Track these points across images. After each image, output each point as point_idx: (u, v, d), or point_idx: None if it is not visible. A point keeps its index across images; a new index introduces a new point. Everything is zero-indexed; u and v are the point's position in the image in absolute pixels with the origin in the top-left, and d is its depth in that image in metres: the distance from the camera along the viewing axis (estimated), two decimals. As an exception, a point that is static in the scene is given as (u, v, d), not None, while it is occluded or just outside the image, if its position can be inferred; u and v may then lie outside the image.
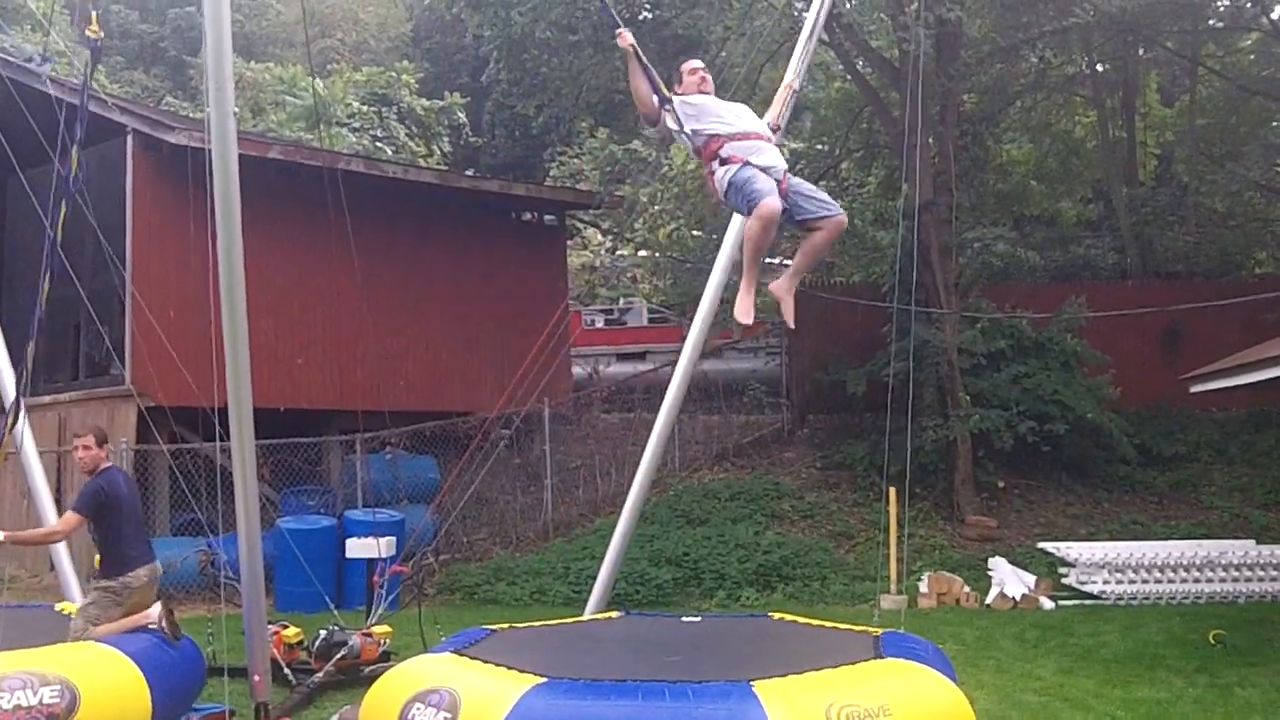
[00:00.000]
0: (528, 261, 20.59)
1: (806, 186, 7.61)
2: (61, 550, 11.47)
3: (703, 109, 7.54)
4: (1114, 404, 18.43)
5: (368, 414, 15.71)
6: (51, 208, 8.46)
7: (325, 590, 12.47)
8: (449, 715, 6.22)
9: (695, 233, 21.56)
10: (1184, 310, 18.79)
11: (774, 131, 8.03)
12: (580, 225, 27.45)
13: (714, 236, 11.57)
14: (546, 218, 22.29)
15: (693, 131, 7.48)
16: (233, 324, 8.37)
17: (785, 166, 7.49)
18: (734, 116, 7.58)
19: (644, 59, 7.56)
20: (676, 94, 7.66)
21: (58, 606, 10.11)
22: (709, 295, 10.75)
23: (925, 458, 17.43)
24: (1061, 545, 15.89)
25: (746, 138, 7.44)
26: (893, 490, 14.39)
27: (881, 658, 7.06)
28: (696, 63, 7.90)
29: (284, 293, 17.05)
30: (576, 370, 23.02)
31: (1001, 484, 18.13)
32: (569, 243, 25.51)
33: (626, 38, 7.55)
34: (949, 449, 17.63)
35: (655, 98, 7.54)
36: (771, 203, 7.09)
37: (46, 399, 17.17)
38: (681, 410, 13.19)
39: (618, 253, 30.79)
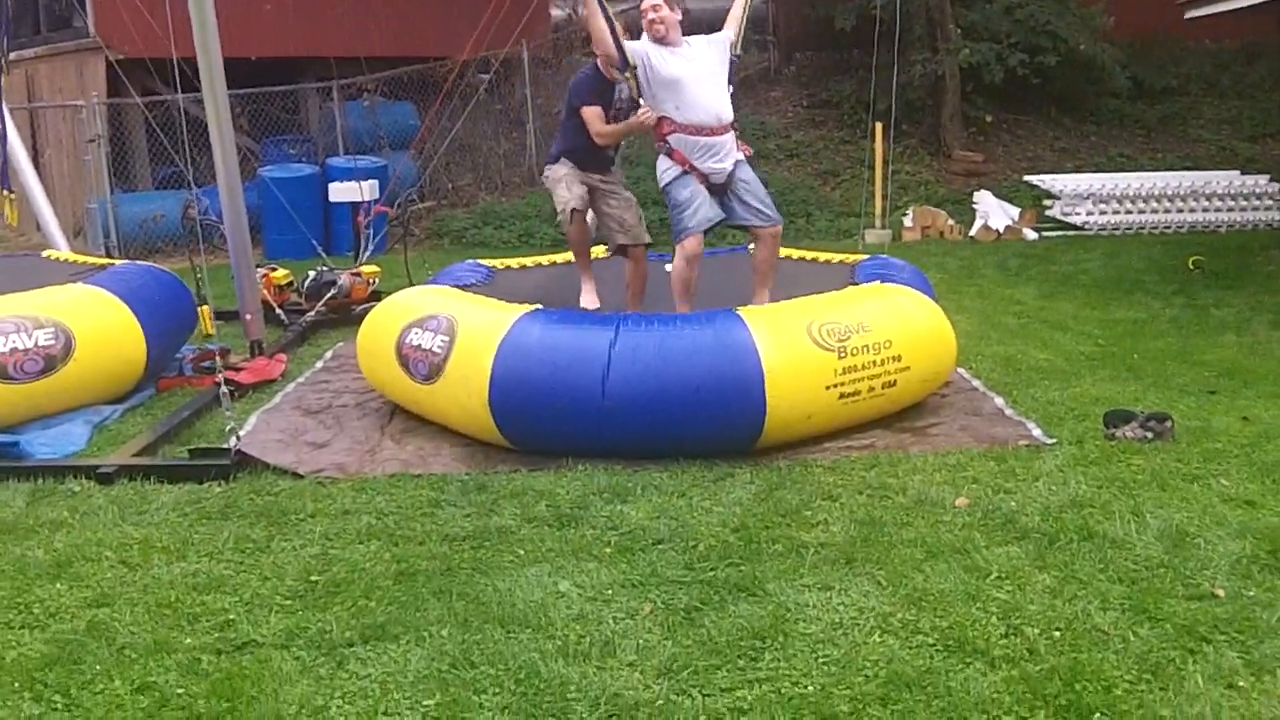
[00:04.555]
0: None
1: (750, 189, 6.97)
2: (44, 206, 11.43)
3: (669, 83, 6.77)
4: (1107, 35, 17.97)
5: (343, 61, 15.31)
6: None
7: (313, 236, 12.47)
8: (446, 339, 6.35)
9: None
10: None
11: (735, 58, 7.17)
12: None
13: None
14: None
15: (651, 97, 6.86)
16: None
17: (731, 166, 6.90)
18: (697, 93, 6.80)
19: (607, 8, 6.77)
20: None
21: (45, 253, 10.14)
22: None
23: (913, 93, 17.17)
24: (1047, 178, 15.90)
25: (699, 133, 6.78)
26: (879, 126, 14.24)
27: (859, 282, 7.17)
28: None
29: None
30: (555, 11, 22.29)
31: (989, 118, 17.95)
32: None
33: None
34: (937, 84, 17.34)
35: (617, 56, 6.83)
36: (694, 244, 6.79)
37: (11, 56, 16.62)
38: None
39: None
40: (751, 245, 7.49)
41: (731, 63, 7.12)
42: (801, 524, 5.01)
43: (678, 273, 6.96)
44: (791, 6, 20.29)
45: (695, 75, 6.84)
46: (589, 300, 7.71)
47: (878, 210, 14.69)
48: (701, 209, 6.83)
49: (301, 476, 5.93)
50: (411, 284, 9.41)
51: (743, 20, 7.37)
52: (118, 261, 9.65)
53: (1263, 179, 15.09)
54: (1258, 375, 7.54)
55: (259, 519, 5.35)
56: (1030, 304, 10.35)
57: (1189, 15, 13.04)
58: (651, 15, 6.84)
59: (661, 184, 6.99)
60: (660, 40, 6.86)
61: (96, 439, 6.96)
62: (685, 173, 6.85)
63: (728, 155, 6.92)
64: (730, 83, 7.06)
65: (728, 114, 6.95)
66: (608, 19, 6.80)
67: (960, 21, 17.30)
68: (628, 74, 6.93)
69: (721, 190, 6.92)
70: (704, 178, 6.86)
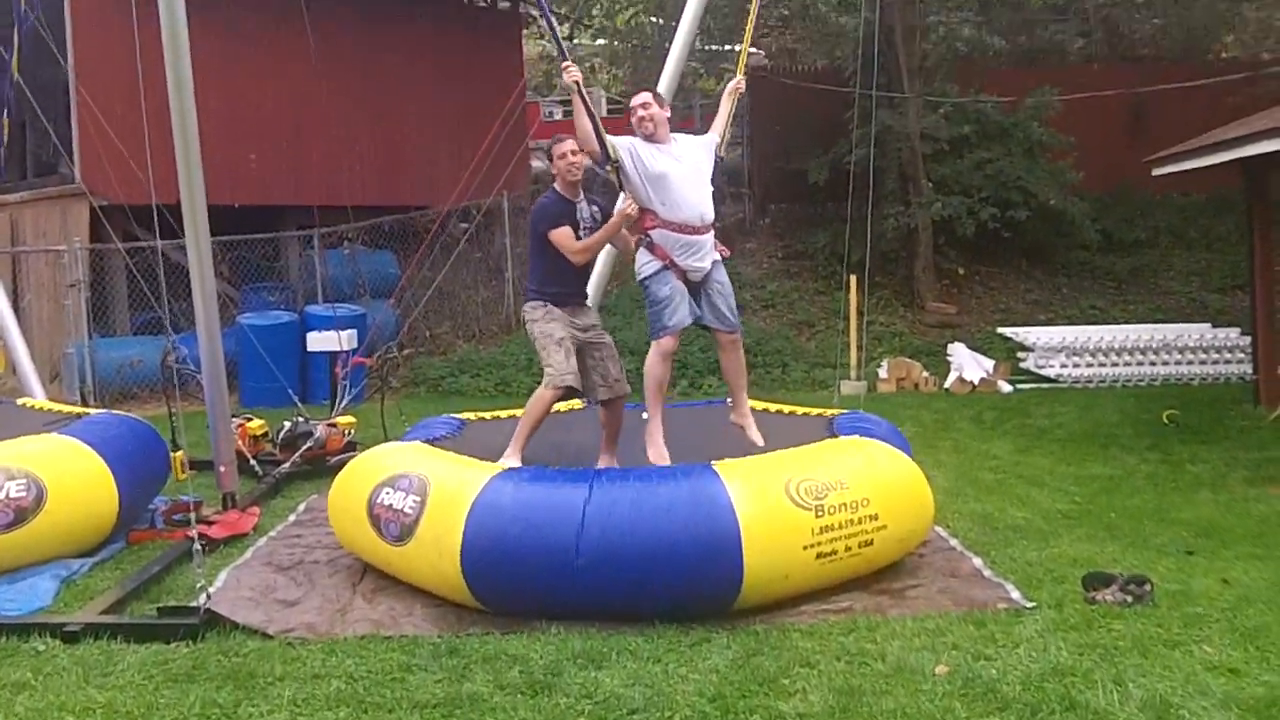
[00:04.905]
0: (483, 51, 20.04)
1: (721, 293, 7.21)
2: (21, 352, 11.40)
3: (656, 178, 6.99)
4: (1077, 189, 18.36)
5: (325, 209, 15.46)
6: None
7: (289, 385, 12.45)
8: (418, 499, 6.30)
9: (654, 19, 21.04)
10: (1149, 94, 18.61)
11: (720, 159, 7.48)
12: (536, 14, 26.68)
13: (673, 23, 11.24)
14: (500, 3, 21.63)
15: (634, 191, 7.07)
16: (182, 118, 8.21)
17: (710, 266, 7.14)
18: (683, 190, 7.02)
19: (589, 103, 7.01)
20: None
21: (20, 401, 10.08)
22: (665, 81, 10.46)
23: (886, 245, 17.45)
24: (1020, 330, 16.07)
25: (681, 230, 7.01)
26: (853, 278, 14.42)
27: (837, 436, 7.17)
28: (643, 97, 7.24)
29: (236, 87, 16.52)
30: (535, 164, 22.66)
31: (962, 270, 18.22)
32: (525, 31, 24.86)
33: (573, 74, 6.98)
34: (910, 236, 17.63)
35: (600, 150, 7.04)
36: (670, 343, 7.00)
37: (-7, 200, 16.81)
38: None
39: (575, 41, 30.08)
40: (729, 400, 7.60)
41: (716, 163, 7.35)
42: (779, 693, 4.92)
43: (652, 372, 7.11)
44: (766, 159, 20.70)
45: (682, 174, 7.06)
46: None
47: (853, 362, 14.78)
48: (680, 308, 7.01)
49: (271, 636, 5.82)
50: (388, 436, 9.39)
51: (728, 123, 7.60)
52: (92, 410, 9.61)
53: (1234, 332, 15.26)
54: (1235, 535, 7.52)
55: (226, 681, 5.23)
56: (1006, 459, 10.36)
57: (1157, 172, 13.31)
58: (641, 113, 7.11)
59: (640, 277, 7.15)
60: (649, 137, 7.10)
61: (64, 594, 6.85)
62: (665, 268, 7.02)
63: (707, 255, 7.13)
64: (713, 183, 7.24)
65: (710, 213, 7.14)
66: (590, 114, 6.95)
67: (932, 175, 17.67)
68: (609, 168, 7.09)
69: (696, 289, 7.11)
70: (683, 274, 7.03)
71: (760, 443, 7.28)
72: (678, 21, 10.94)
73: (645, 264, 7.11)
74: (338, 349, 11.28)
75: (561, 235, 7.18)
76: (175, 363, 9.57)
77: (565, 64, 7.08)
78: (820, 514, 6.04)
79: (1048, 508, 8.42)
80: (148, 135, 8.23)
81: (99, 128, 12.63)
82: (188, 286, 8.60)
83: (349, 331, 11.53)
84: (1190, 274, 18.76)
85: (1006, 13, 22.93)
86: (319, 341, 11.61)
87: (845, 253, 14.57)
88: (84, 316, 14.71)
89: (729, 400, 7.72)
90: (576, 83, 6.95)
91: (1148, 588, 6.04)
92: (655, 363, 7.07)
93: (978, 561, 6.87)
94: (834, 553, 6.10)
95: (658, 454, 7.04)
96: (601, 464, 7.20)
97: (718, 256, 7.23)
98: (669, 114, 7.29)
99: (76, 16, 15.56)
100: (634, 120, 7.17)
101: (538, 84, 28.76)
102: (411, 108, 18.74)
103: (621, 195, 7.21)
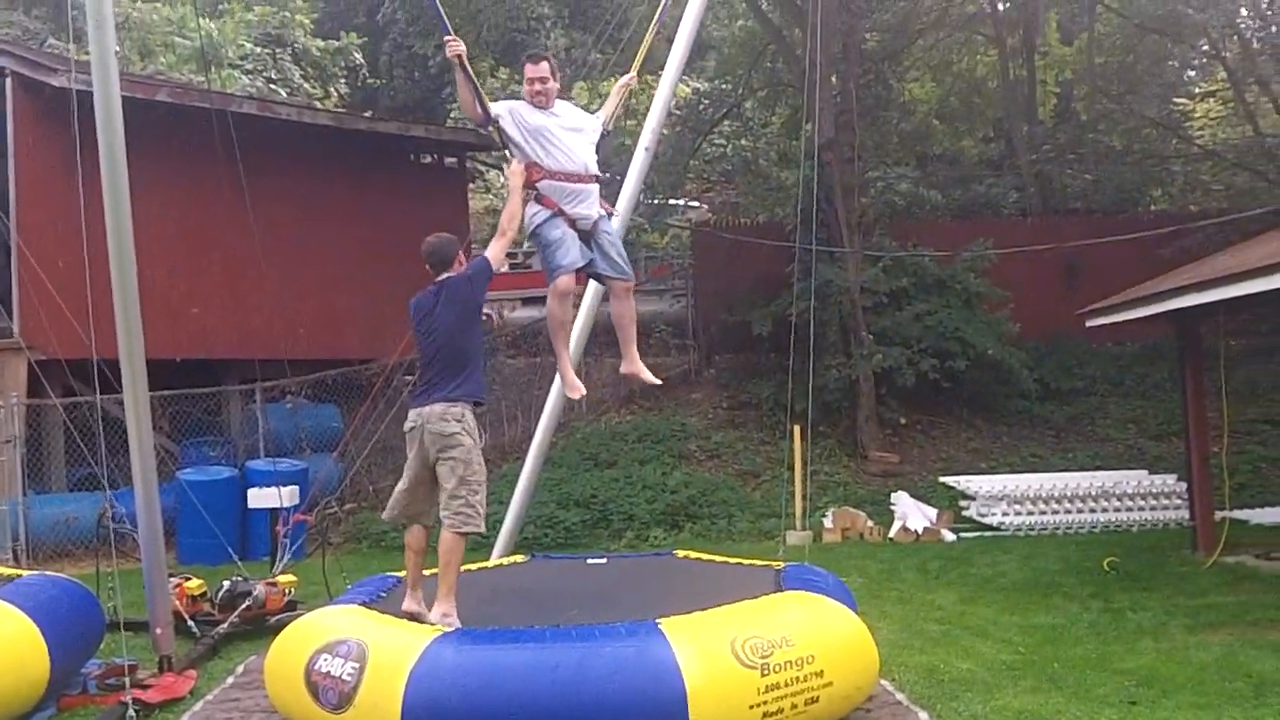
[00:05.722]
0: (428, 205, 20.21)
1: (611, 242, 7.78)
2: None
3: (535, 130, 7.52)
4: (1014, 339, 18.72)
5: (267, 363, 15.45)
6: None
7: (228, 541, 12.26)
8: (357, 665, 6.18)
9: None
10: (1082, 246, 19.09)
11: (605, 133, 8.02)
12: (482, 168, 27.16)
13: (618, 176, 11.46)
14: (447, 160, 21.95)
15: (517, 147, 7.55)
16: (121, 273, 8.23)
17: (596, 215, 7.67)
18: (562, 142, 7.55)
19: (470, 72, 7.53)
20: (522, 95, 7.74)
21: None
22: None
23: (829, 396, 17.60)
24: (962, 479, 16.20)
25: (568, 179, 7.53)
26: (797, 428, 14.52)
27: (783, 590, 7.17)
28: (539, 69, 7.69)
29: (177, 241, 16.62)
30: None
31: (904, 420, 18.40)
32: (470, 185, 25.20)
33: (455, 47, 7.45)
34: (852, 387, 17.82)
35: (481, 112, 7.55)
36: (566, 282, 7.44)
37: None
38: (588, 353, 13.17)
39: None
40: (623, 366, 8.05)
41: (602, 136, 7.89)
42: None
43: (553, 313, 7.58)
44: (710, 311, 20.96)
45: (562, 126, 7.59)
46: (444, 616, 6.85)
47: (798, 511, 14.80)
48: (572, 249, 7.45)
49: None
50: (330, 593, 9.26)
51: (614, 111, 8.22)
52: (24, 571, 9.40)
53: (1170, 478, 15.45)
54: (1176, 684, 7.52)
55: None
56: (951, 609, 10.35)
57: (1090, 324, 13.61)
58: (540, 86, 7.60)
59: (531, 227, 7.53)
60: (539, 109, 7.60)
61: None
62: (555, 215, 7.46)
63: (593, 203, 7.63)
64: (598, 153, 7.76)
65: (594, 165, 7.67)
66: (472, 84, 7.43)
67: (872, 327, 17.96)
68: (491, 129, 7.58)
69: (586, 238, 7.56)
70: (571, 222, 7.47)
71: (657, 382, 8.14)
72: (621, 173, 11.18)
73: (535, 213, 7.53)
74: (279, 505, 11.15)
75: (497, 254, 7.34)
76: (112, 520, 9.43)
77: (449, 38, 7.49)
78: (766, 672, 6.01)
79: (992, 658, 8.40)
80: (89, 289, 8.21)
81: (38, 282, 12.64)
82: (126, 442, 8.52)
83: (290, 487, 11.41)
84: (1127, 421, 19.06)
85: (943, 168, 23.66)
86: (260, 498, 11.48)
87: (789, 403, 14.68)
88: (19, 473, 14.51)
89: (625, 361, 7.96)
90: (459, 56, 7.41)
91: (1094, 743, 6.02)
92: (554, 303, 7.53)
93: (924, 716, 6.85)
94: (780, 711, 6.05)
95: (573, 390, 7.80)
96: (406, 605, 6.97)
97: (603, 211, 7.73)
98: (558, 88, 7.77)
99: (20, 172, 15.65)
100: (529, 90, 7.64)
101: (484, 237, 29.06)
102: (356, 261, 18.84)
103: (509, 160, 7.67)
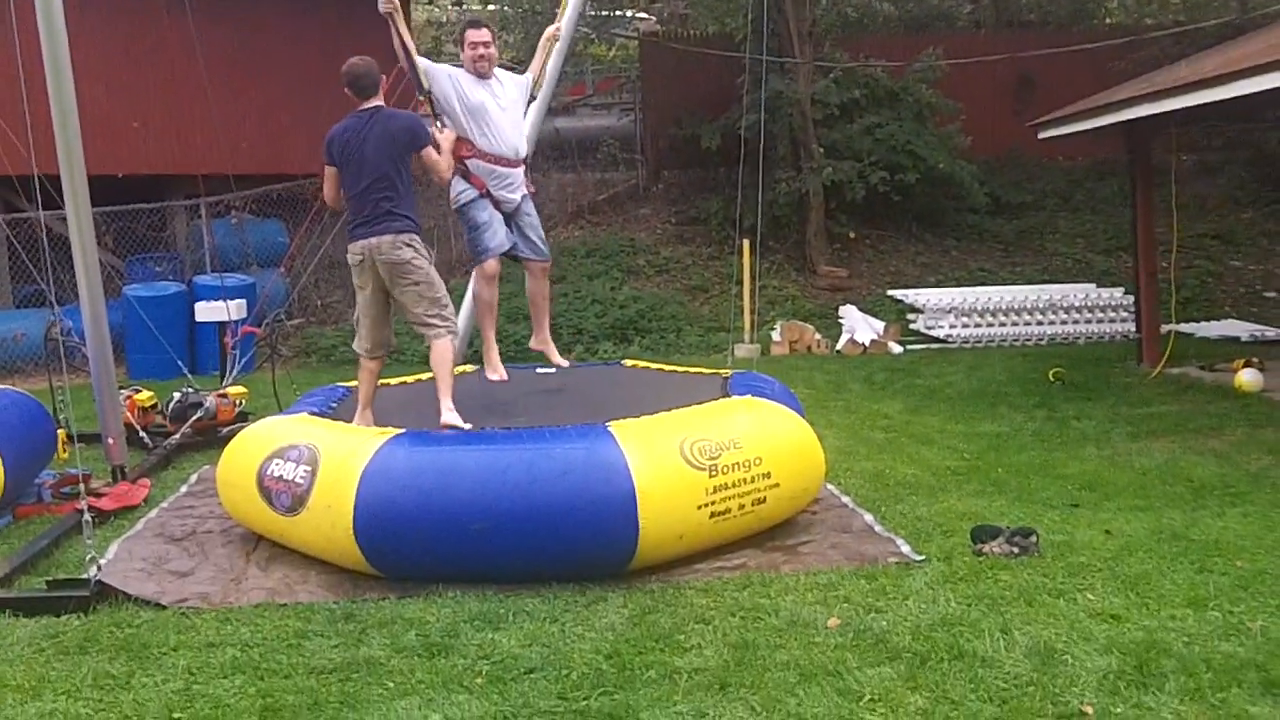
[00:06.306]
0: (371, 18, 19.55)
1: (531, 224, 7.80)
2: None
3: (476, 109, 7.39)
4: (965, 153, 18.66)
5: (211, 178, 15.15)
6: None
7: (178, 356, 12.23)
8: (308, 469, 6.23)
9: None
10: (1036, 59, 18.94)
11: (533, 97, 8.01)
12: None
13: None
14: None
15: (453, 120, 7.41)
16: (58, 89, 8.04)
17: (520, 198, 7.66)
18: (497, 124, 7.45)
19: (404, 32, 7.35)
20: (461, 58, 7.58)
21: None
22: (558, 47, 10.39)
23: (779, 210, 17.58)
24: (910, 292, 16.33)
25: (497, 162, 7.48)
26: (746, 243, 14.51)
27: (730, 396, 7.23)
28: (481, 34, 7.52)
29: (119, 57, 16.15)
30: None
31: (853, 235, 18.43)
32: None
33: (388, 4, 7.25)
34: (802, 201, 17.78)
35: (415, 79, 7.40)
36: (493, 265, 7.58)
37: None
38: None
39: (463, 6, 29.76)
40: (533, 341, 8.38)
41: (529, 101, 7.87)
42: (675, 649, 4.97)
43: (481, 296, 7.74)
44: (659, 125, 20.69)
45: (500, 108, 7.49)
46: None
47: (746, 325, 14.90)
48: (499, 232, 7.56)
49: (164, 607, 5.74)
50: (280, 405, 9.27)
51: (543, 67, 8.17)
52: (-27, 386, 9.34)
53: (1117, 291, 15.66)
54: (1118, 488, 7.72)
55: (120, 653, 5.15)
56: (897, 418, 10.53)
57: (1042, 135, 13.57)
58: (483, 50, 7.47)
59: (457, 204, 7.55)
60: (479, 74, 7.47)
61: (-53, 571, 6.67)
62: (481, 196, 7.49)
63: (519, 187, 7.66)
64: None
65: (523, 149, 7.72)
66: (405, 46, 7.33)
67: (822, 141, 17.83)
68: (422, 97, 7.43)
69: (508, 220, 7.63)
70: (497, 204, 7.53)
71: (565, 364, 8.27)
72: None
73: (462, 191, 7.51)
74: (226, 319, 11.08)
75: (449, 141, 7.31)
76: (59, 335, 9.36)
77: None
78: (714, 473, 6.10)
79: (937, 465, 8.57)
80: (25, 102, 7.99)
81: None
82: (71, 258, 8.40)
83: (238, 301, 11.35)
84: (1076, 236, 19.20)
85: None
86: (207, 312, 11.41)
87: (738, 218, 14.67)
88: (-37, 290, 14.33)
89: (535, 336, 8.32)
90: (391, 13, 7.25)
91: (1033, 539, 6.19)
92: (482, 287, 7.67)
93: (869, 517, 6.98)
94: (728, 511, 6.17)
95: (495, 372, 7.80)
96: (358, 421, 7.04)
97: (526, 191, 7.74)
98: (497, 54, 7.64)
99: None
100: (469, 55, 7.51)
101: (427, 49, 28.41)
102: (297, 75, 18.34)
103: (437, 124, 7.41)
